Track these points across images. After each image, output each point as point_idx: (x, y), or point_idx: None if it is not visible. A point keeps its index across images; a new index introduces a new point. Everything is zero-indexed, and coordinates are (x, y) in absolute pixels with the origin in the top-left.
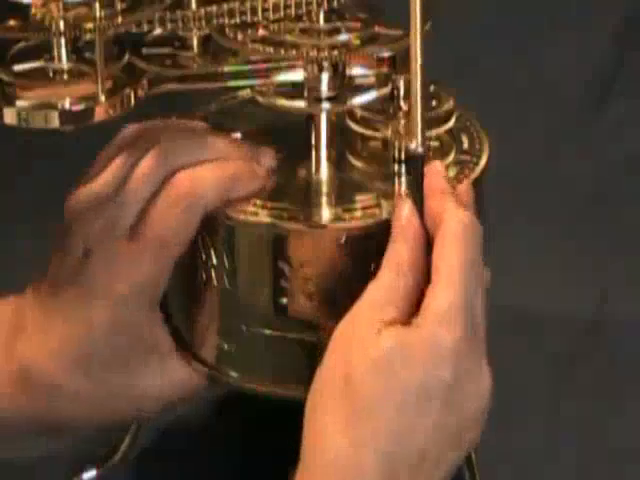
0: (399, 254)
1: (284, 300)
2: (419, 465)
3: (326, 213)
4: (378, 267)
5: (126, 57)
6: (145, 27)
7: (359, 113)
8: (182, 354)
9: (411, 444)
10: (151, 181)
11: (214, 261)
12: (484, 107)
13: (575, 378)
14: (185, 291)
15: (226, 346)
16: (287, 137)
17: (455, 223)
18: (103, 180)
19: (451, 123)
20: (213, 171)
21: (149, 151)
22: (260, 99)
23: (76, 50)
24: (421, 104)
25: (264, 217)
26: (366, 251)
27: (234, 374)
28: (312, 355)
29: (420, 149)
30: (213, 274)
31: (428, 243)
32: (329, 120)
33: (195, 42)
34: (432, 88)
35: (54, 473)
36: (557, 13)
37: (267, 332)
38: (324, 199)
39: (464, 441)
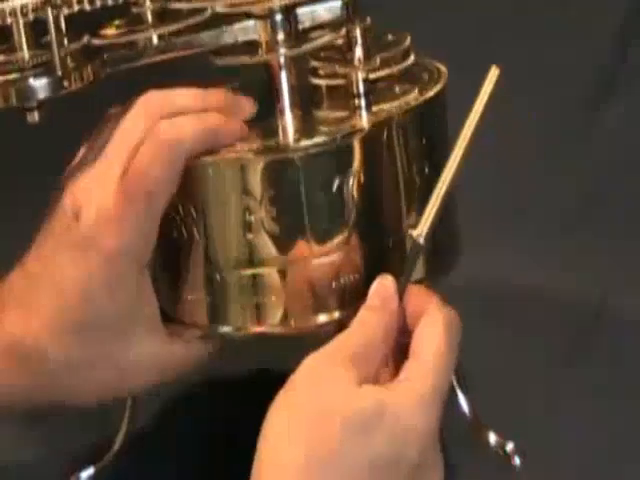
0: (376, 320)
1: (253, 235)
2: None
3: (286, 139)
4: (341, 187)
5: (85, 38)
6: (98, 2)
7: (320, 68)
8: (170, 326)
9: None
10: (133, 132)
11: (181, 213)
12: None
13: (575, 374)
14: (161, 257)
15: (210, 299)
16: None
17: (442, 314)
18: (89, 144)
19: (410, 60)
20: (194, 119)
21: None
22: (217, 61)
23: (38, 45)
24: (439, 204)
25: (225, 154)
26: (327, 171)
27: (225, 328)
28: (292, 287)
29: (422, 240)
30: (183, 229)
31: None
32: (288, 69)
33: (149, 16)
34: (389, 37)
35: (51, 472)
36: (557, 12)
37: (249, 272)
38: (285, 132)
39: None
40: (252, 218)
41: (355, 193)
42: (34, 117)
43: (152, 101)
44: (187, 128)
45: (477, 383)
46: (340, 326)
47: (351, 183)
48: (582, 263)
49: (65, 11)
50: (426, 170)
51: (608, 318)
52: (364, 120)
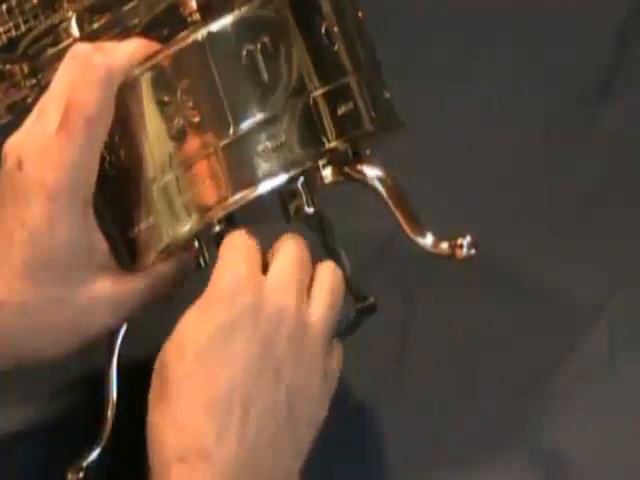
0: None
1: (179, 133)
2: (231, 402)
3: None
4: (251, 55)
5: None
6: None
7: None
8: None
9: (219, 382)
10: (65, 78)
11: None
12: (483, 106)
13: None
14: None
15: (158, 214)
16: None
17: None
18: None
19: None
20: (121, 43)
21: None
22: None
23: None
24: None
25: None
26: (230, 46)
27: (184, 228)
28: (229, 165)
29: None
30: (113, 158)
31: None
32: None
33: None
34: None
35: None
36: (557, 11)
37: (183, 169)
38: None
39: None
40: (173, 115)
41: (267, 57)
42: None
43: (79, 49)
44: (117, 50)
45: (477, 387)
46: None
47: (259, 48)
48: (582, 263)
49: None
50: (334, 29)
51: (607, 318)
52: None
